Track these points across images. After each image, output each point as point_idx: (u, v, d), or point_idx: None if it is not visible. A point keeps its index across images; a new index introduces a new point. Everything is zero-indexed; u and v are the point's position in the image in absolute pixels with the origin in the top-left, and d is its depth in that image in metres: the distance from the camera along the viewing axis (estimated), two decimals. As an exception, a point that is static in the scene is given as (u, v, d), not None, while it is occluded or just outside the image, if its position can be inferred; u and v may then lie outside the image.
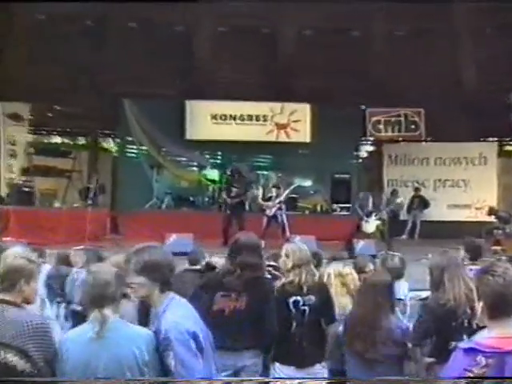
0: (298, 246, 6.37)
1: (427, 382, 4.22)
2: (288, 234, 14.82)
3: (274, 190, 15.93)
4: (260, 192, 16.36)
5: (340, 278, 6.33)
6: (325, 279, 6.39)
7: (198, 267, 7.44)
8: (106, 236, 17.06)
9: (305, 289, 6.01)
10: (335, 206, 19.44)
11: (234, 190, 16.36)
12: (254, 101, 20.23)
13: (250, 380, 4.79)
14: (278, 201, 15.49)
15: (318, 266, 7.01)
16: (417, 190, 20.19)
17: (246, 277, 5.81)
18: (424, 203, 19.99)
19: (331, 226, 17.07)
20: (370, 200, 15.80)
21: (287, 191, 16.00)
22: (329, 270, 6.58)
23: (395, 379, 4.63)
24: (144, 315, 4.84)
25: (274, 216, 15.52)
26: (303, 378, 5.52)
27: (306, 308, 5.99)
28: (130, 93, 19.56)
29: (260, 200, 16.03)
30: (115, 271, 4.15)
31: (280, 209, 15.58)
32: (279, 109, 20.45)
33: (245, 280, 5.79)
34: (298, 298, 5.96)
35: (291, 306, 6.00)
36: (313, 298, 6.03)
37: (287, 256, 6.13)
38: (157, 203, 19.13)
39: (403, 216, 19.47)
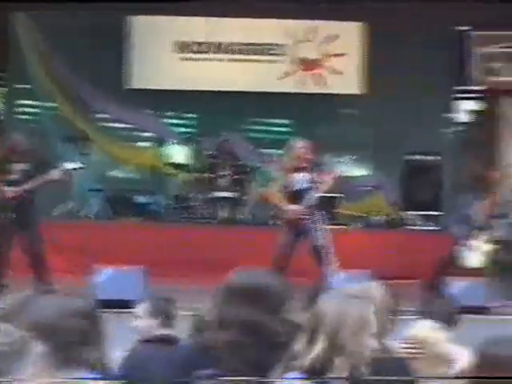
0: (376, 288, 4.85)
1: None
2: (332, 264, 11.55)
3: (299, 177, 11.89)
4: (276, 184, 12.27)
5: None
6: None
7: (165, 333, 5.90)
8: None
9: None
10: (410, 213, 15.66)
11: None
12: (257, 17, 15.68)
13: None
14: (309, 197, 11.72)
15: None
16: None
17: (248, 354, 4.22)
18: None
19: (404, 251, 14.03)
20: (477, 207, 12.76)
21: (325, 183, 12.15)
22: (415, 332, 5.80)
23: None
24: None
25: (304, 230, 11.66)
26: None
27: None
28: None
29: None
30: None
31: (312, 216, 11.73)
32: (307, 32, 16.20)
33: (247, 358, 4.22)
34: None
35: None
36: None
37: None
38: (77, 208, 15.44)
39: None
